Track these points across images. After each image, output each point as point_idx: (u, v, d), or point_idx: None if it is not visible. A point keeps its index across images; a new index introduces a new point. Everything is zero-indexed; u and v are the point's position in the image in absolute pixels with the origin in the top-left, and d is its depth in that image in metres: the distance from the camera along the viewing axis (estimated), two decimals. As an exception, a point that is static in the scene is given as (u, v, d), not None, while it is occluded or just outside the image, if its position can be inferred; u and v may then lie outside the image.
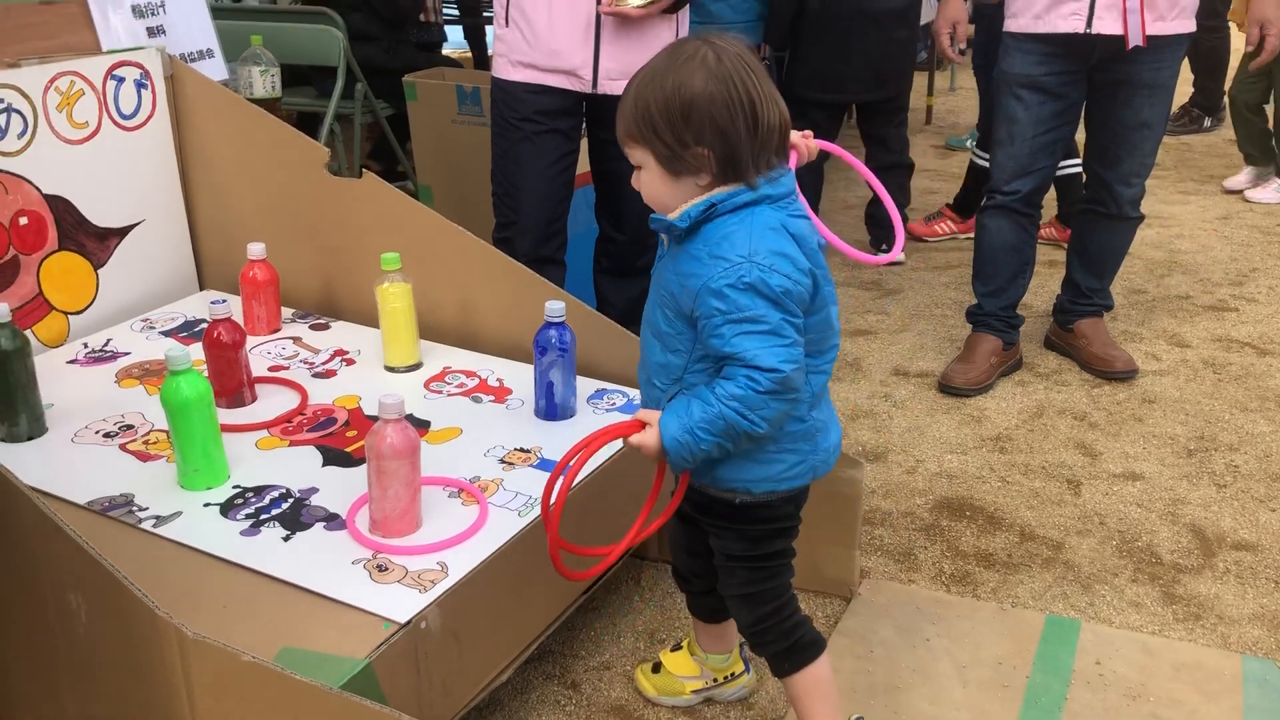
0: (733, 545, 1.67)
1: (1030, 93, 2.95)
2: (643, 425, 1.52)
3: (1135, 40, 2.77)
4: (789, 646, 1.70)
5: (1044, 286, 3.77)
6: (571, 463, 1.48)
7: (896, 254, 1.80)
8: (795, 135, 1.62)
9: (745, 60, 1.44)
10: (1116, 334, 3.41)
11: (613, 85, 2.64)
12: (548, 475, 1.84)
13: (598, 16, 2.59)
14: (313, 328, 2.45)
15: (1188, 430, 2.89)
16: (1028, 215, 3.10)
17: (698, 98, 1.42)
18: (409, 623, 1.52)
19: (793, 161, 1.59)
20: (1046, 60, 2.91)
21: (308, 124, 4.88)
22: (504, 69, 2.72)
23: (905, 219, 4.19)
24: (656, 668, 1.96)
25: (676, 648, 1.97)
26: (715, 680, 1.93)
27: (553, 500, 1.49)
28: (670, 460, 1.51)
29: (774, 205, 1.48)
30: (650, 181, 1.50)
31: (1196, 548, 2.38)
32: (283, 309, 2.48)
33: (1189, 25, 2.87)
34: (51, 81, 2.29)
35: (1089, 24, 2.80)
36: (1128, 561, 2.34)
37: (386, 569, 1.63)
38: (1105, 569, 2.32)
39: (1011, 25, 2.95)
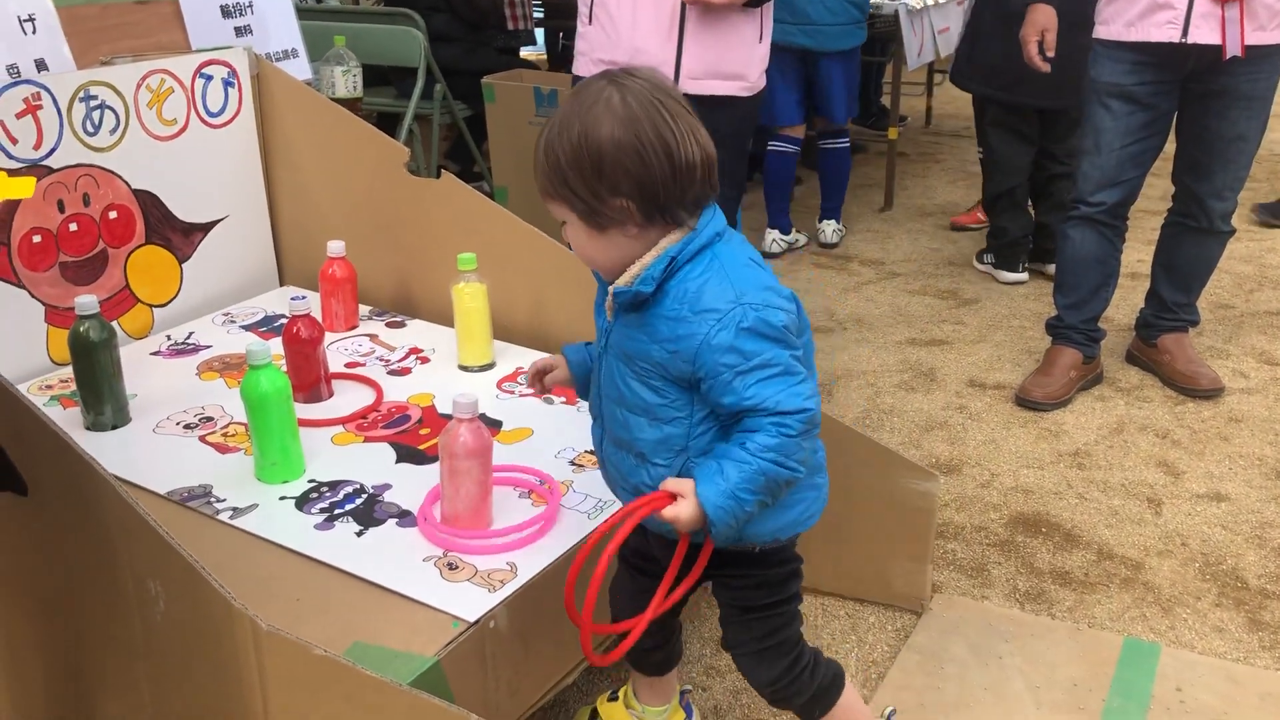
0: (752, 596, 1.57)
1: (1120, 102, 2.87)
2: (671, 497, 1.38)
3: (1234, 50, 2.68)
4: (814, 695, 1.62)
5: (1126, 300, 3.68)
6: (602, 545, 1.37)
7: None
8: None
9: (655, 97, 1.34)
10: (1202, 350, 3.31)
11: (694, 84, 2.63)
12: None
13: (682, 14, 2.58)
14: (389, 325, 2.48)
15: (1276, 451, 2.79)
16: (1113, 227, 3.02)
17: (605, 146, 1.31)
18: (478, 622, 1.53)
19: None
20: (1137, 69, 2.82)
21: (387, 123, 4.94)
22: (585, 67, 2.73)
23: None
24: (593, 716, 1.87)
25: (613, 697, 1.85)
26: None
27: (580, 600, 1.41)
28: (715, 530, 1.38)
29: (728, 241, 1.40)
30: (576, 237, 1.40)
31: (1284, 573, 2.31)
32: (360, 306, 2.51)
33: None
34: (143, 79, 2.34)
35: (1185, 33, 2.70)
36: (1211, 585, 2.27)
37: (457, 567, 1.63)
38: (1187, 592, 2.25)
39: (1102, 32, 2.88)
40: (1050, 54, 3.21)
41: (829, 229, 4.41)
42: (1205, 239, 3.07)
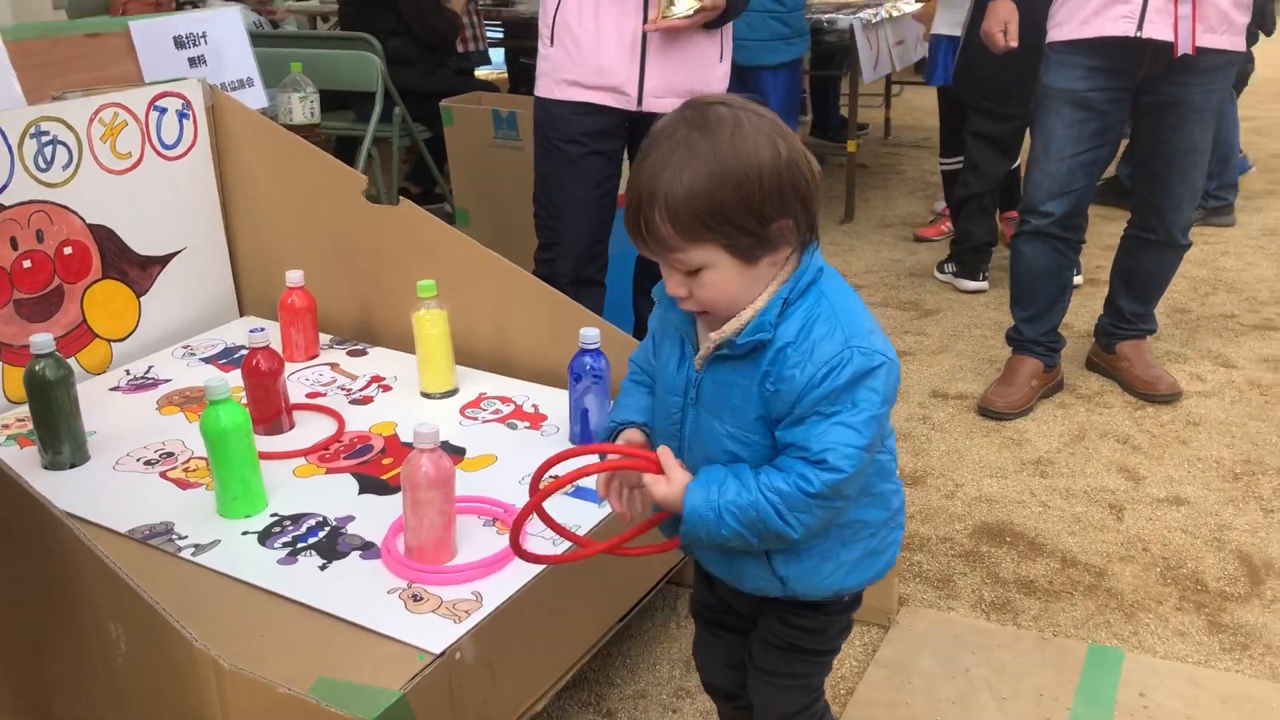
0: (805, 639, 1.48)
1: (1071, 109, 2.87)
2: (663, 470, 1.32)
3: (1185, 48, 2.69)
4: None
5: (1085, 305, 3.73)
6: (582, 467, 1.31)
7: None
8: None
9: (767, 116, 1.27)
10: (1160, 354, 3.36)
11: (657, 103, 2.65)
12: (581, 501, 1.84)
13: (644, 33, 2.60)
14: (350, 354, 2.47)
15: (1233, 453, 2.84)
16: (1064, 240, 3.01)
17: (768, 168, 1.22)
18: (443, 654, 1.52)
19: None
20: (1091, 75, 2.83)
21: (347, 147, 4.94)
22: (548, 88, 2.74)
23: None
24: None
25: None
26: None
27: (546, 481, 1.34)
28: (683, 530, 1.32)
29: (829, 276, 1.31)
30: (720, 281, 1.27)
31: (1243, 575, 2.34)
32: (321, 335, 2.50)
33: (1238, 44, 2.80)
34: (95, 113, 2.33)
35: (1140, 26, 2.71)
36: (1172, 589, 2.30)
37: (421, 599, 1.63)
38: (1149, 597, 2.28)
39: (1055, 35, 2.87)
40: (1013, 44, 3.28)
41: (790, 243, 4.43)
42: (1163, 252, 3.10)
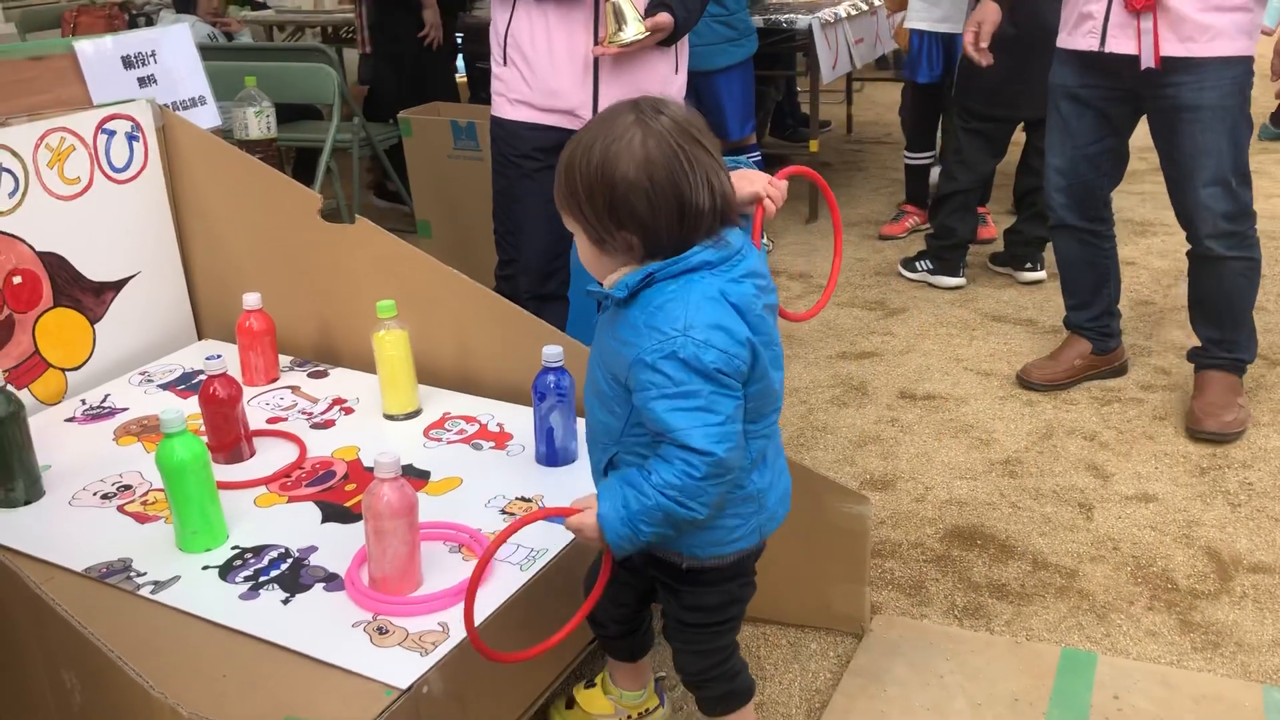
0: (684, 614, 1.65)
1: (1068, 104, 2.95)
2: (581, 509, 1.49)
3: (1147, 62, 2.69)
4: (727, 691, 1.71)
5: (1050, 301, 3.73)
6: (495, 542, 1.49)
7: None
8: (761, 184, 1.58)
9: (677, 141, 1.39)
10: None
11: None
12: (549, 524, 1.82)
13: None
14: (311, 376, 2.43)
15: (1199, 448, 2.85)
16: (1089, 230, 3.08)
17: (618, 185, 1.38)
18: (410, 688, 1.49)
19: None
20: (1082, 72, 2.88)
21: (308, 158, 4.89)
22: (502, 107, 2.71)
23: (1046, 241, 4.06)
24: (570, 703, 1.94)
25: (590, 684, 1.94)
26: (629, 717, 1.91)
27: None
28: (613, 549, 1.48)
29: (715, 271, 1.43)
30: (582, 249, 1.49)
31: (1213, 571, 2.35)
32: (281, 357, 2.46)
33: (1233, 48, 2.65)
34: (41, 139, 2.28)
35: (1103, 42, 2.75)
36: (1143, 588, 2.30)
37: (387, 631, 1.60)
38: (1120, 597, 2.28)
39: (1058, 39, 2.95)
40: (984, 44, 3.21)
41: (754, 244, 4.43)
42: (1202, 265, 2.91)
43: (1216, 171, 2.75)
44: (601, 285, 1.49)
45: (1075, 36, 2.84)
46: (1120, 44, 2.73)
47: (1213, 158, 2.74)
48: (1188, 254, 2.96)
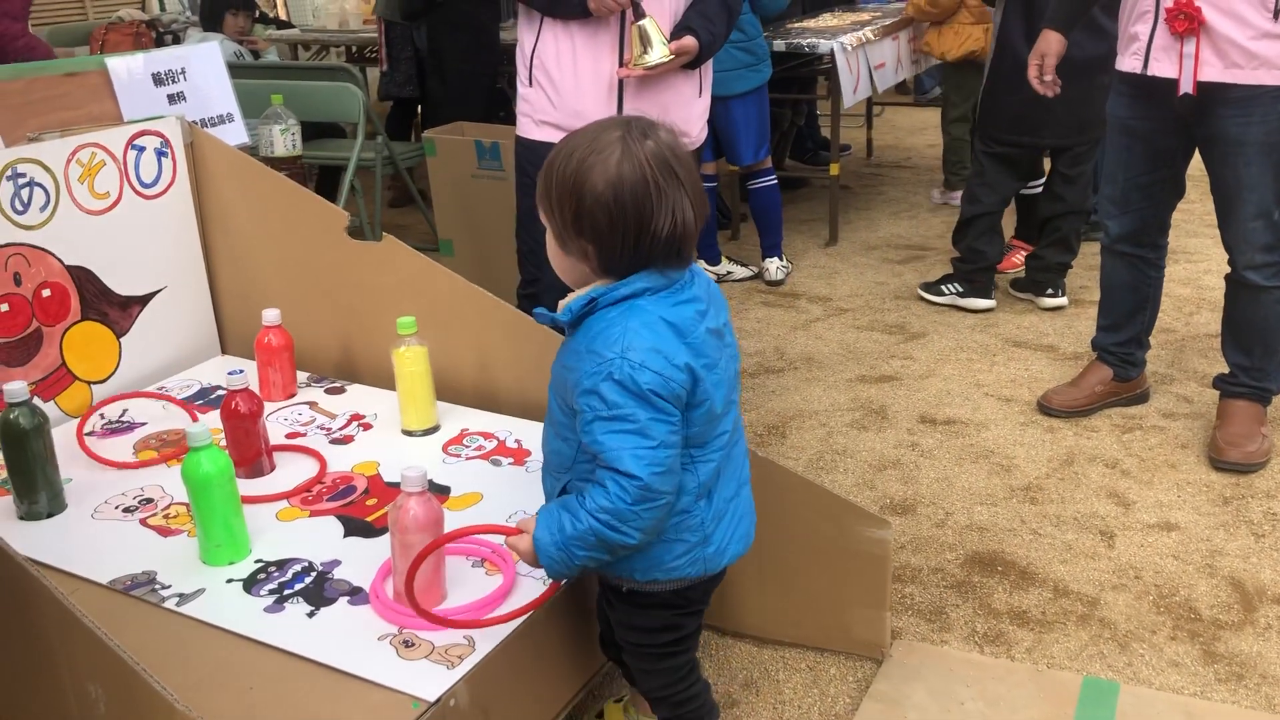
0: (622, 631, 1.69)
1: (1119, 135, 2.95)
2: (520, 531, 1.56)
3: (1185, 87, 2.67)
4: (682, 714, 1.73)
5: (1070, 327, 3.71)
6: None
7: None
8: None
9: (652, 167, 1.42)
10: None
11: None
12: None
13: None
14: (328, 391, 2.45)
15: (1223, 476, 2.83)
16: (1139, 257, 3.07)
17: (585, 197, 1.43)
18: (438, 701, 1.50)
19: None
20: (1133, 103, 2.87)
21: (331, 176, 4.92)
22: (528, 128, 2.73)
23: (1068, 268, 4.08)
24: (599, 716, 1.97)
25: (619, 699, 1.96)
26: None
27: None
28: (547, 571, 1.52)
29: (655, 296, 1.48)
30: (549, 244, 1.54)
31: (1236, 602, 2.33)
32: (299, 373, 2.48)
33: (1276, 77, 2.59)
34: (73, 154, 2.30)
35: (1145, 65, 2.73)
36: (1166, 618, 2.29)
37: (413, 644, 1.60)
38: (1143, 626, 2.26)
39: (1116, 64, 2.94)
40: (1048, 77, 3.09)
41: (773, 267, 4.44)
42: (1239, 292, 2.88)
43: (1260, 206, 2.74)
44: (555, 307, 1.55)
45: (1124, 58, 2.83)
46: (1162, 67, 2.71)
47: (1257, 192, 2.73)
48: (1226, 278, 2.95)
